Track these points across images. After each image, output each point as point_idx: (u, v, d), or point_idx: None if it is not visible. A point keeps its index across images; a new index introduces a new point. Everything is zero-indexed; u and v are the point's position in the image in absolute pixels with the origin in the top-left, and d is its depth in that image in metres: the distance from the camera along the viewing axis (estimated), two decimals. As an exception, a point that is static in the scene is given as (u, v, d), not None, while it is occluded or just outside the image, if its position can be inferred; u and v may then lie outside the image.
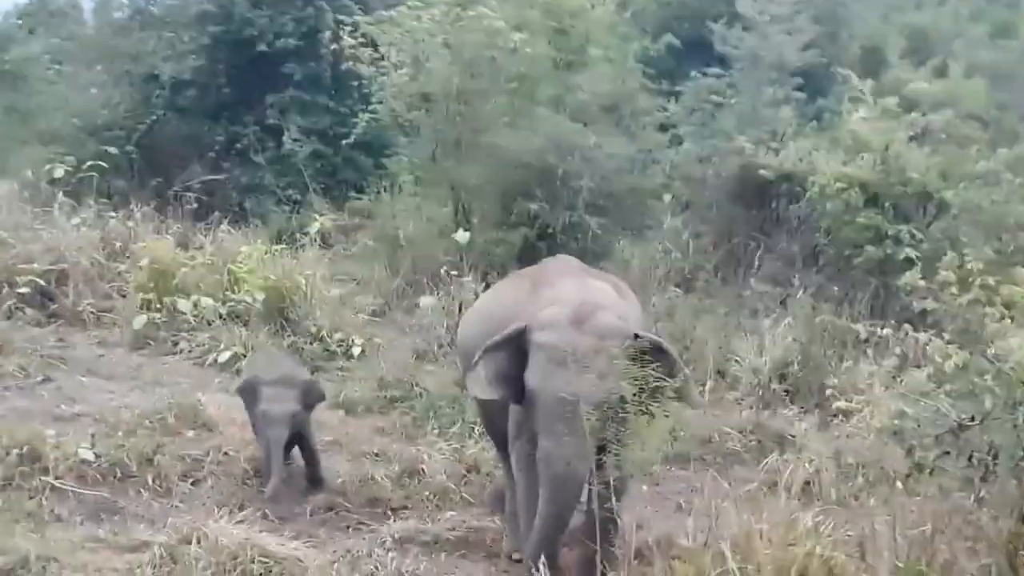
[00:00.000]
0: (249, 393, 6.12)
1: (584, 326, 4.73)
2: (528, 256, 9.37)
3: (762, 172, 9.58)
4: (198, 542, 5.18)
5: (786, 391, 7.74)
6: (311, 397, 6.21)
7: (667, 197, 10.80)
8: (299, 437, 6.16)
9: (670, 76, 11.46)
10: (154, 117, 11.95)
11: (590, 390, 4.58)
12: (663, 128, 10.64)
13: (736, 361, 8.06)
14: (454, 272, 8.60)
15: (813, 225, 9.43)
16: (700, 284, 9.89)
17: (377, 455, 6.67)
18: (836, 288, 8.88)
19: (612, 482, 4.69)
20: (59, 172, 10.90)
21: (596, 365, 4.60)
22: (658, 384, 4.60)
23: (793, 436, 6.75)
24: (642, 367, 4.60)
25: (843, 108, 10.05)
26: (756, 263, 9.77)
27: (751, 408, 7.47)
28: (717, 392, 7.92)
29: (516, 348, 4.86)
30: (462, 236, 8.83)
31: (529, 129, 9.51)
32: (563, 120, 9.49)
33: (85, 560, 5.32)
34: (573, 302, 4.88)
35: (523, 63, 9.88)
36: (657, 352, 4.74)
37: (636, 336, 4.75)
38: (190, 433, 6.72)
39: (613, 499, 4.74)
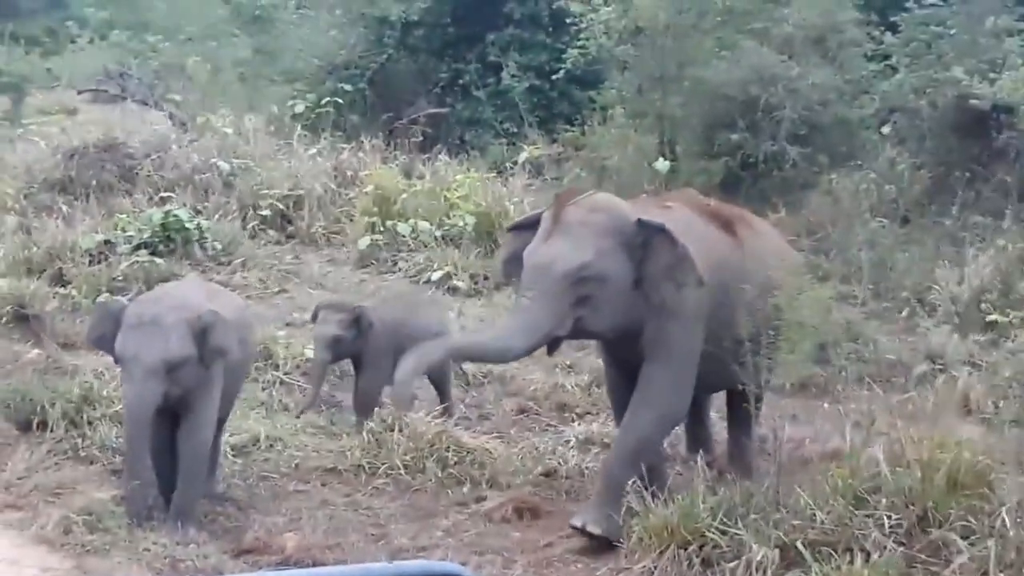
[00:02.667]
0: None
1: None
2: (730, 185, 9.60)
3: (975, 102, 9.39)
4: (400, 430, 5.82)
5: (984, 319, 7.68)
6: (358, 324, 6.23)
7: (885, 129, 10.71)
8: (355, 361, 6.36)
9: (888, 7, 11.25)
10: (385, 56, 12.66)
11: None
12: (875, 59, 10.52)
13: (936, 290, 8.07)
14: (654, 200, 8.88)
15: (1030, 156, 9.20)
16: (912, 216, 9.83)
17: (569, 366, 7.15)
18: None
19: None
20: (300, 108, 11.85)
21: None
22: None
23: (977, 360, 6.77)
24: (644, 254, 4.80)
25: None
26: (971, 195, 9.63)
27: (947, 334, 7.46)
28: (914, 320, 7.99)
29: None
30: (662, 165, 9.13)
31: (734, 62, 9.67)
32: (768, 52, 9.59)
33: (305, 441, 6.06)
34: None
35: (731, -3, 10.02)
36: (661, 237, 4.85)
37: (640, 221, 4.88)
38: (404, 341, 7.40)
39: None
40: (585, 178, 10.05)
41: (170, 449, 4.98)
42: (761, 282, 5.15)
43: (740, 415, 5.54)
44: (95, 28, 18.64)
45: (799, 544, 4.32)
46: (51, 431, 5.67)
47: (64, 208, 9.36)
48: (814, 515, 4.43)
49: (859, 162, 10.48)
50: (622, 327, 4.92)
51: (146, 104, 13.39)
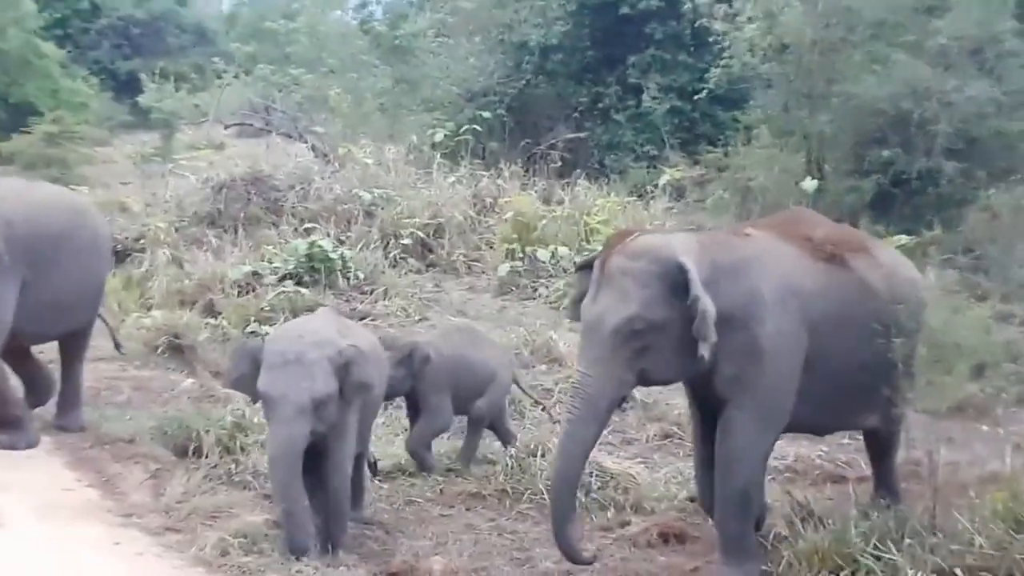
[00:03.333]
0: None
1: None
2: (881, 203, 9.28)
3: None
4: (542, 455, 5.74)
5: None
6: (410, 361, 5.85)
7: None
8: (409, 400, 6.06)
9: (1047, 15, 10.77)
10: (524, 82, 12.74)
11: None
12: (1035, 69, 10.06)
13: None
14: (801, 220, 8.64)
15: None
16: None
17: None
18: None
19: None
20: (439, 136, 11.97)
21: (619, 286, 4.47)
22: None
23: None
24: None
25: None
26: None
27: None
28: (1082, 339, 7.57)
29: None
30: (810, 184, 8.89)
31: (885, 76, 9.37)
32: (921, 65, 9.26)
33: (449, 467, 6.04)
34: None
35: (881, 9, 9.72)
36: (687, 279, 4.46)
37: (681, 264, 4.46)
38: (543, 366, 7.35)
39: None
40: (728, 200, 9.88)
41: (313, 483, 4.98)
42: (879, 311, 4.72)
43: (880, 446, 5.25)
44: (240, 63, 19.24)
45: (957, 570, 4.08)
46: (206, 457, 5.76)
47: (213, 240, 9.64)
48: (972, 540, 4.19)
49: (1019, 176, 10.04)
50: (693, 371, 4.60)
51: (290, 136, 13.75)
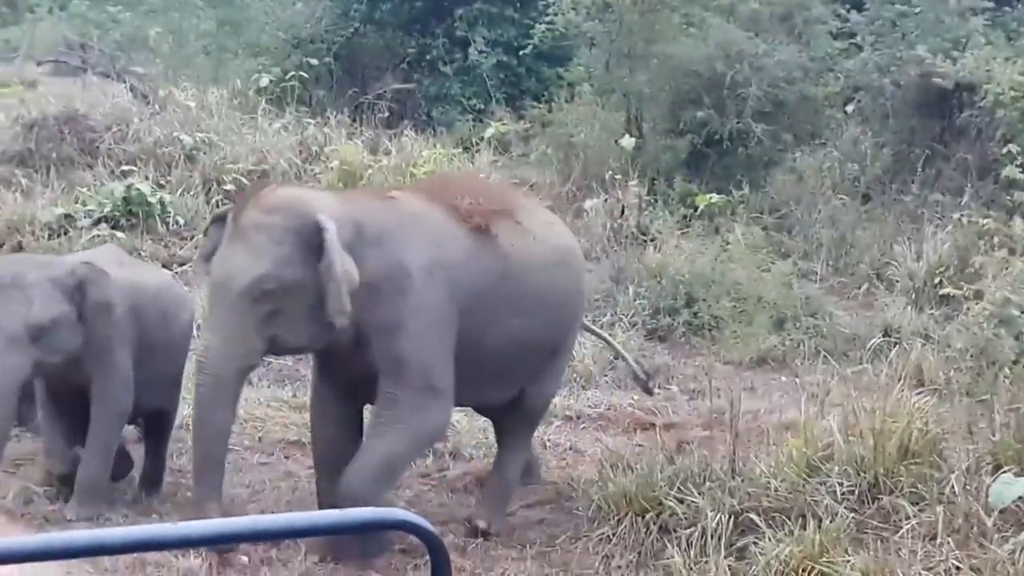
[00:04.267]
0: None
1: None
2: (695, 162, 9.65)
3: (938, 81, 9.48)
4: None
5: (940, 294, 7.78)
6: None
7: (849, 107, 10.80)
8: None
9: (854, -15, 11.32)
10: (352, 30, 12.59)
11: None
12: (841, 37, 10.58)
13: (894, 266, 8.17)
14: (620, 177, 8.94)
15: (990, 135, 9.29)
16: (873, 193, 9.93)
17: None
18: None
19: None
20: (264, 81, 11.76)
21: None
22: None
23: (931, 333, 6.86)
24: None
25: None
26: (931, 173, 9.73)
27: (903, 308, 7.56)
28: (872, 295, 8.10)
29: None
30: (628, 142, 9.16)
31: (700, 38, 9.71)
32: (733, 28, 9.63)
33: (270, 415, 6.08)
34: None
35: (698, -29, 10.04)
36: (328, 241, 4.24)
37: (319, 221, 4.22)
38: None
39: None
40: (551, 155, 10.07)
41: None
42: (524, 282, 4.55)
43: (519, 421, 5.05)
44: (55, -1, 18.41)
45: (753, 512, 4.39)
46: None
47: (24, 181, 9.27)
48: (768, 483, 4.51)
49: (823, 140, 10.58)
50: (327, 339, 4.29)
51: (108, 76, 13.23)
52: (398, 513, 1.65)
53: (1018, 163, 7.33)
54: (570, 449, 5.82)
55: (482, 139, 10.05)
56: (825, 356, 6.67)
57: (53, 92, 12.45)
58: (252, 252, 4.18)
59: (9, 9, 21.10)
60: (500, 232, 4.58)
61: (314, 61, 12.11)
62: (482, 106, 11.63)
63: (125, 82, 12.33)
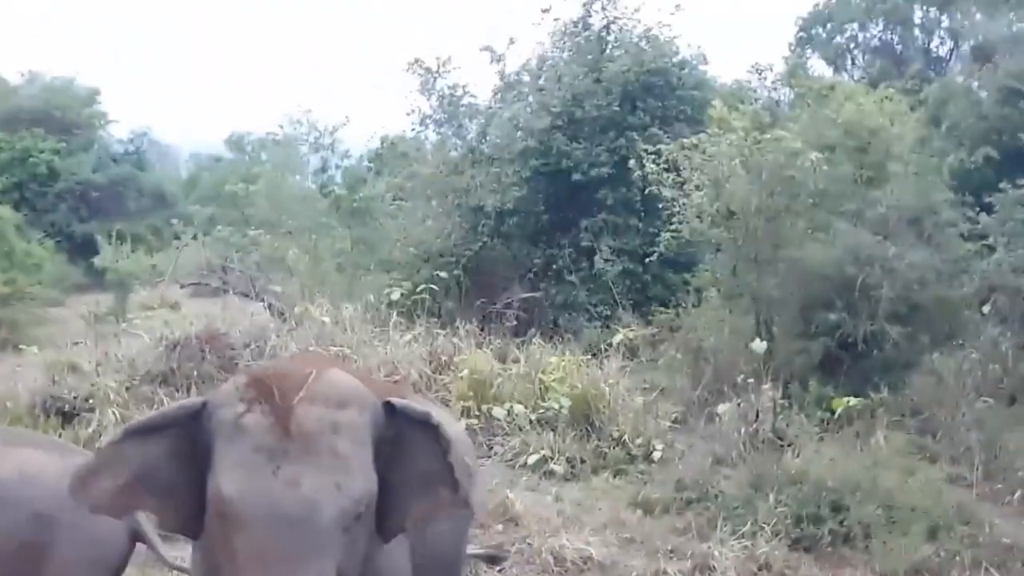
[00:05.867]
0: None
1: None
2: (829, 365, 9.47)
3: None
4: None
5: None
6: None
7: (985, 308, 10.58)
8: None
9: (982, 188, 11.27)
10: (480, 244, 12.99)
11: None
12: (972, 239, 10.47)
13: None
14: (752, 380, 8.81)
15: None
16: (1019, 395, 9.58)
17: (671, 551, 6.94)
18: None
19: None
20: (396, 295, 12.08)
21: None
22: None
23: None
24: (407, 447, 3.26)
25: None
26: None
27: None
28: (1028, 503, 7.69)
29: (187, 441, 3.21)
30: (759, 346, 9.06)
31: (829, 242, 9.70)
32: (863, 233, 9.61)
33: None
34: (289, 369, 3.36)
35: (822, 180, 10.13)
36: (421, 426, 3.27)
37: (387, 403, 3.28)
38: (499, 526, 7.31)
39: None
40: (681, 359, 10.02)
41: None
42: None
43: None
44: (199, 225, 19.45)
45: None
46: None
47: (165, 399, 9.54)
48: None
49: (961, 341, 10.32)
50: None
51: (247, 296, 13.80)
52: None
53: None
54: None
55: (610, 345, 10.07)
56: (986, 568, 6.28)
57: (195, 313, 13.00)
58: (335, 464, 3.08)
59: (156, 237, 22.37)
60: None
61: (443, 274, 12.44)
62: (608, 312, 11.74)
63: (263, 300, 12.81)
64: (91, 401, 10.16)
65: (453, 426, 4.02)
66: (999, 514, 7.54)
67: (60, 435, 9.82)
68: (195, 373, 10.07)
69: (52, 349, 13.08)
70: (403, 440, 3.27)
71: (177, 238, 20.27)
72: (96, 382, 10.45)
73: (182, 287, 17.42)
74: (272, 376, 3.22)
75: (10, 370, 12.47)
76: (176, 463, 3.21)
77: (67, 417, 10.35)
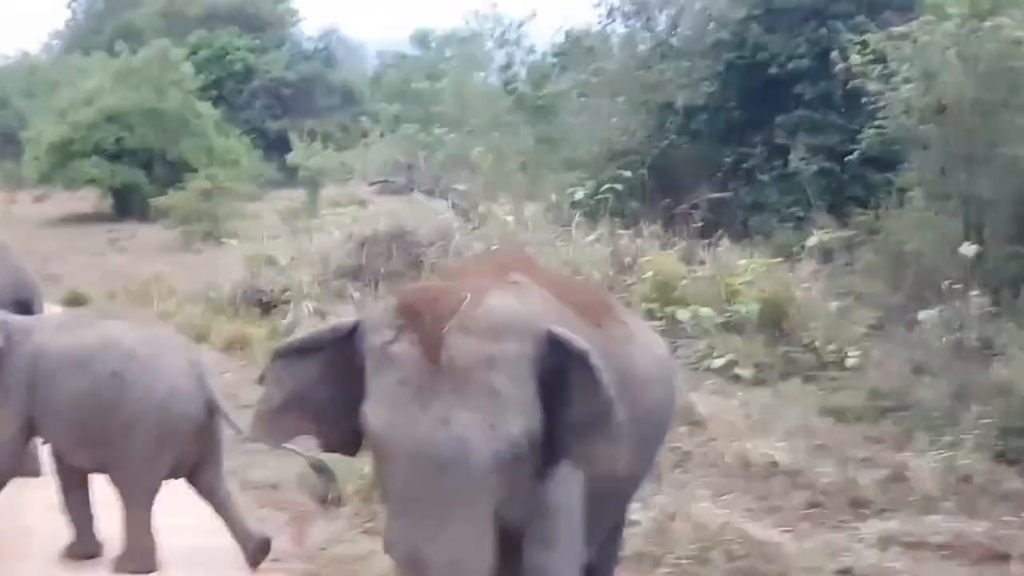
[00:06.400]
0: None
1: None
2: (1045, 272, 8.82)
3: None
4: (684, 519, 5.52)
5: None
6: None
7: None
8: None
9: None
10: (667, 142, 12.65)
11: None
12: None
13: None
14: (958, 286, 8.29)
15: None
16: None
17: (864, 460, 6.63)
18: None
19: None
20: (579, 195, 11.94)
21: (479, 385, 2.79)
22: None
23: None
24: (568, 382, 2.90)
25: None
26: None
27: None
28: None
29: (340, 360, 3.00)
30: (968, 249, 8.50)
31: (1050, 138, 8.96)
32: (1089, 125, 8.83)
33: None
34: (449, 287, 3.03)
35: (1046, 70, 9.32)
36: (579, 367, 2.90)
37: (549, 333, 2.90)
38: (683, 428, 7.11)
39: None
40: (880, 263, 9.53)
41: None
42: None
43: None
44: (385, 123, 19.70)
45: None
46: (347, 505, 5.80)
47: (356, 294, 9.73)
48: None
49: None
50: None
51: (432, 194, 13.91)
52: None
53: None
54: (911, 580, 5.22)
55: (803, 248, 9.63)
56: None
57: (382, 210, 13.22)
58: (490, 401, 2.79)
59: (345, 135, 22.84)
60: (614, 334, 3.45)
61: (628, 173, 12.17)
62: (802, 214, 11.29)
63: (447, 199, 12.87)
64: (287, 294, 10.49)
65: (655, 346, 3.65)
66: None
67: (259, 325, 10.19)
68: (383, 269, 10.23)
69: (250, 243, 13.54)
70: (564, 373, 2.92)
71: (364, 136, 20.60)
72: (291, 276, 10.77)
73: (370, 184, 17.74)
74: (424, 300, 2.94)
75: (212, 262, 13.00)
76: (330, 385, 3.04)
77: (265, 308, 10.68)
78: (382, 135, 18.42)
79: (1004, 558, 5.32)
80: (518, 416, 2.82)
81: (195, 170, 22.01)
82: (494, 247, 10.06)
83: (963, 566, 5.32)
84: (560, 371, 2.91)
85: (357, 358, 2.95)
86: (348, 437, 3.04)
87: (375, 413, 2.84)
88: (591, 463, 3.01)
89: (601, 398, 2.90)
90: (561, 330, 2.93)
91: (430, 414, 2.77)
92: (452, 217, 12.02)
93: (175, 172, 22.15)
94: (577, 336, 2.95)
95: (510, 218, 11.31)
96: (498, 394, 2.80)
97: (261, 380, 3.13)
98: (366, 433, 2.89)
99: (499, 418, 2.79)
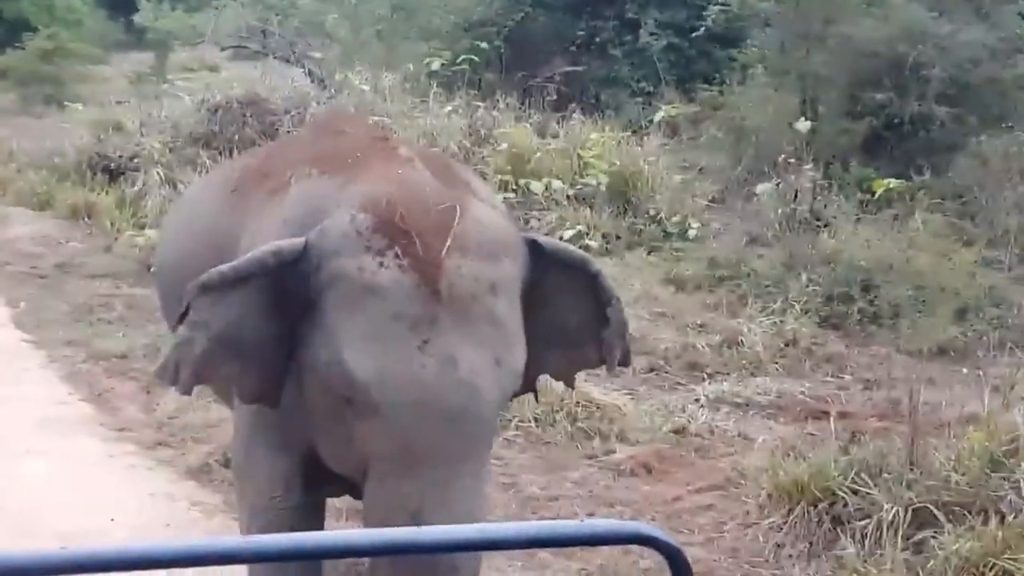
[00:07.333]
0: None
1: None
2: (873, 146, 9.36)
3: None
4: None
5: None
6: None
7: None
8: None
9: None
10: (522, 14, 12.69)
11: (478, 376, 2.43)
12: (1032, 17, 10.12)
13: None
14: (793, 160, 8.75)
15: None
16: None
17: (701, 326, 7.08)
18: None
19: None
20: (436, 65, 11.94)
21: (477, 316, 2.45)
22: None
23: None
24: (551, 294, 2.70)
25: None
26: None
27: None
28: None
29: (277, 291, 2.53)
30: (803, 125, 8.95)
31: (882, 18, 9.41)
32: (917, 8, 9.30)
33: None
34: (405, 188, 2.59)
35: (881, -49, 9.73)
36: (575, 272, 2.75)
37: (535, 243, 2.69)
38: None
39: None
40: (723, 139, 9.94)
41: None
42: None
43: None
44: (239, -14, 19.06)
45: (932, 505, 4.24)
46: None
47: (208, 161, 9.66)
48: (948, 477, 4.35)
49: (1010, 124, 10.10)
50: None
51: (287, 61, 13.70)
52: (639, 526, 1.50)
53: None
54: (739, 436, 5.71)
55: (651, 122, 9.98)
56: (1011, 348, 6.39)
57: (235, 76, 12.97)
58: (495, 332, 2.47)
59: (194, -3, 22.02)
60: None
61: (484, 45, 12.23)
62: (651, 89, 11.58)
63: (303, 66, 12.72)
64: (136, 160, 10.33)
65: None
66: (1031, 297, 7.58)
67: (107, 192, 10.06)
68: (236, 137, 10.14)
69: (96, 107, 13.18)
70: (549, 286, 2.67)
71: (216, -2, 19.94)
72: (140, 142, 10.59)
73: (222, 49, 17.30)
74: (406, 214, 2.46)
75: (57, 127, 12.64)
76: (264, 323, 2.52)
77: (112, 175, 10.52)
78: (234, -1, 17.91)
79: (824, 415, 5.81)
80: (519, 346, 2.53)
81: (35, 29, 21.04)
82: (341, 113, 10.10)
83: (786, 423, 5.84)
84: (540, 282, 2.65)
85: (303, 286, 2.46)
86: (274, 386, 2.58)
87: (359, 357, 2.37)
88: (577, 368, 2.93)
89: (606, 305, 2.73)
90: (548, 240, 2.78)
91: (433, 354, 2.36)
92: (308, 85, 11.93)
93: (13, 32, 21.11)
94: (561, 243, 2.86)
95: (367, 87, 11.27)
96: (503, 323, 2.48)
97: (181, 319, 2.53)
98: (334, 384, 2.43)
99: (505, 351, 2.47)
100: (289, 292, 2.49)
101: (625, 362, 2.87)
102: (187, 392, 2.59)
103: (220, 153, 9.90)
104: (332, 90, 11.22)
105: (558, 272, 2.69)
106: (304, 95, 10.95)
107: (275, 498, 2.76)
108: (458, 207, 2.51)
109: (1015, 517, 4.09)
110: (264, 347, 2.56)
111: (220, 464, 4.97)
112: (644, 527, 1.47)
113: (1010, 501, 4.17)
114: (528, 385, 2.76)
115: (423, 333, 2.37)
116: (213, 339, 2.52)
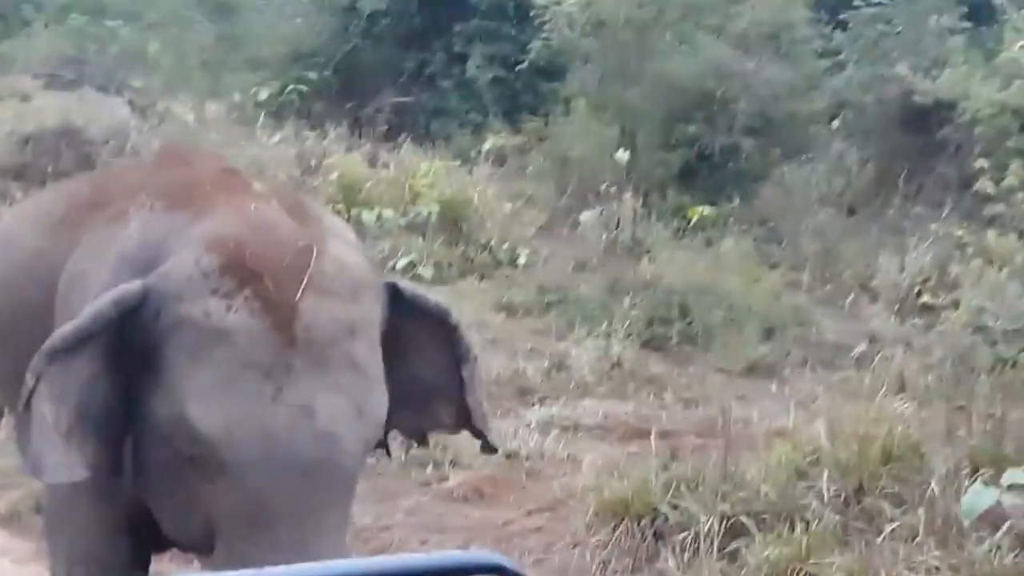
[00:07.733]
0: None
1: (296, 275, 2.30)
2: (687, 176, 9.93)
3: (918, 98, 9.81)
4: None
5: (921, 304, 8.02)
6: None
7: (834, 123, 11.12)
8: None
9: (838, 5, 11.63)
10: (351, 45, 12.82)
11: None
12: (826, 56, 10.91)
13: (878, 277, 8.44)
14: (614, 189, 9.20)
15: (968, 151, 9.57)
16: (858, 207, 10.23)
17: (531, 351, 7.35)
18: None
19: None
20: (263, 95, 11.99)
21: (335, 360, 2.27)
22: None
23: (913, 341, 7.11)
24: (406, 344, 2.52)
25: (1005, 38, 10.08)
26: (913, 187, 10.06)
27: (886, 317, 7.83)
28: (857, 305, 8.38)
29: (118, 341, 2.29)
30: (622, 156, 9.42)
31: (691, 56, 9.99)
32: (723, 47, 9.92)
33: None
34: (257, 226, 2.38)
35: (688, -6, 10.32)
36: (432, 322, 2.59)
37: (394, 288, 2.53)
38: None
39: None
40: (548, 168, 10.33)
41: None
42: None
43: None
44: (51, 13, 18.48)
45: (744, 515, 4.58)
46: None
47: (19, 195, 9.39)
48: (759, 488, 4.69)
49: (809, 155, 10.88)
50: None
51: (105, 91, 13.40)
52: (486, 556, 1.50)
53: (992, 178, 7.60)
54: (567, 458, 5.95)
55: (480, 152, 10.29)
56: (812, 365, 6.91)
57: (48, 106, 12.59)
58: (355, 378, 2.29)
59: (2, 23, 21.14)
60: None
61: (313, 75, 12.33)
62: (480, 120, 11.89)
63: (123, 96, 12.50)
64: (-60, 194, 9.93)
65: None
66: (830, 316, 8.20)
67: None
68: (50, 168, 9.85)
69: None
70: (404, 335, 2.49)
71: (27, 24, 19.25)
72: (-55, 174, 10.19)
73: (34, 78, 16.74)
74: (257, 253, 2.25)
75: None
76: (110, 381, 2.28)
77: (-87, 211, 10.11)
78: (47, 26, 17.33)
79: (646, 434, 6.12)
80: (381, 392, 2.34)
81: None
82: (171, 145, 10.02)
83: (612, 444, 6.15)
84: (398, 329, 2.46)
85: (141, 335, 2.23)
86: (116, 454, 2.30)
87: (205, 410, 2.16)
88: (428, 428, 2.76)
89: (460, 362, 2.56)
90: (408, 285, 2.60)
91: (287, 403, 2.17)
92: (128, 115, 11.74)
93: None
94: (420, 290, 2.65)
95: (191, 116, 11.22)
96: (363, 368, 2.29)
97: (28, 402, 2.22)
98: (177, 439, 2.21)
99: (366, 398, 2.29)
100: (127, 343, 2.23)
101: (479, 431, 2.66)
102: (72, 478, 2.26)
103: (33, 185, 9.66)
104: (154, 120, 11.09)
105: (415, 321, 2.52)
106: (124, 125, 10.76)
107: (94, 554, 2.49)
108: (314, 246, 2.31)
109: (818, 524, 4.46)
110: (111, 413, 2.28)
111: (31, 510, 4.78)
112: (495, 556, 1.49)
113: (813, 509, 4.55)
114: (380, 441, 2.51)
115: (277, 381, 2.17)
116: (73, 412, 2.24)
